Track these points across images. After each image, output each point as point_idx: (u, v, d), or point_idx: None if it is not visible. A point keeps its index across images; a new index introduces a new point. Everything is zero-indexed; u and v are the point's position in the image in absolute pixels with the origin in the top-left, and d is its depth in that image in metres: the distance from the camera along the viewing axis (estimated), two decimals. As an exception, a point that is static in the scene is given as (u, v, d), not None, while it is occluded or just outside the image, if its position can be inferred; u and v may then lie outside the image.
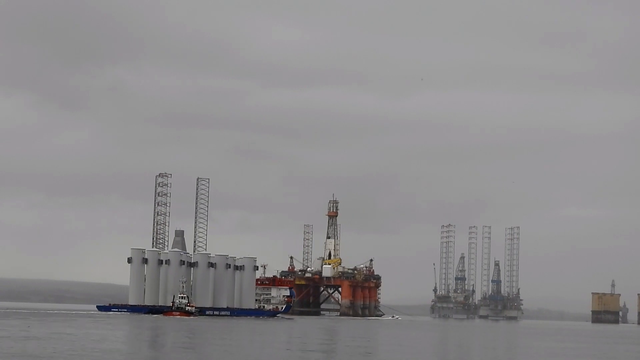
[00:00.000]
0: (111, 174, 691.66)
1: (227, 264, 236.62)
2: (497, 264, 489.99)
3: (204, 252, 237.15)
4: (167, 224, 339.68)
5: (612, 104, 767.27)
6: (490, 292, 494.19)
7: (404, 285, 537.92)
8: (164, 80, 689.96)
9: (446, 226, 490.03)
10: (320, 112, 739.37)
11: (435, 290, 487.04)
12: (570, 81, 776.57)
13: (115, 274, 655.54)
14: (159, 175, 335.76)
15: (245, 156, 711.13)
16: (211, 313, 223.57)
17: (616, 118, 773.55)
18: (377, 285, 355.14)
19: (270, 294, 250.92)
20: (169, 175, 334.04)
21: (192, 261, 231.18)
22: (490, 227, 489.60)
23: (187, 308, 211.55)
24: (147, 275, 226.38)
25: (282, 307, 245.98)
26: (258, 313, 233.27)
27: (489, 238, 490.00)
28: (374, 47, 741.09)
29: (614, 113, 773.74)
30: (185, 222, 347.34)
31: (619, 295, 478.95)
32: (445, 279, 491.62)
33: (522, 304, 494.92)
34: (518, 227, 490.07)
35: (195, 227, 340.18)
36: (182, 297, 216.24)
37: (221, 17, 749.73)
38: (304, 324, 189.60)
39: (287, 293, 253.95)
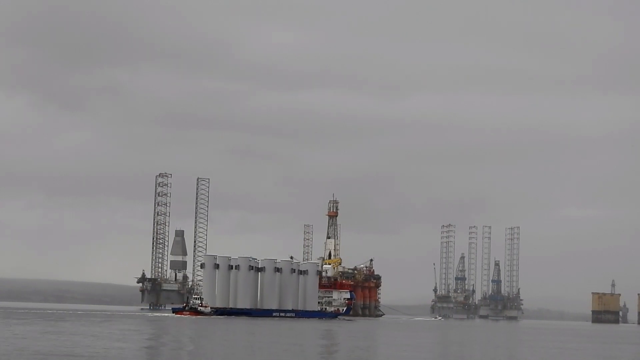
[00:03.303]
0: (111, 174, 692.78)
1: (292, 268, 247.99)
2: (497, 264, 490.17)
3: (271, 257, 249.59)
4: (167, 224, 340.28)
5: (611, 106, 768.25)
6: (490, 292, 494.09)
7: (404, 285, 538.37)
8: (163, 82, 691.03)
9: (446, 226, 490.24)
10: (319, 114, 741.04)
11: (435, 290, 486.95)
12: (570, 83, 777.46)
13: (115, 274, 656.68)
14: (159, 175, 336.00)
15: (245, 157, 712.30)
16: (277, 315, 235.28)
17: (616, 119, 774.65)
18: (377, 285, 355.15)
19: (332, 297, 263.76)
20: (169, 176, 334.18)
21: (260, 266, 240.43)
22: (490, 227, 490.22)
23: (199, 308, 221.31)
24: (218, 280, 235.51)
25: (343, 309, 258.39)
26: (321, 315, 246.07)
27: (489, 238, 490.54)
28: (372, 49, 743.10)
29: (613, 114, 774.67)
30: (185, 222, 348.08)
31: (619, 295, 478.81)
32: (445, 278, 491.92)
33: (522, 304, 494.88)
34: (518, 227, 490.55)
35: (195, 227, 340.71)
36: (196, 298, 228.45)
37: (220, 19, 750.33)
38: (363, 324, 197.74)
39: (348, 296, 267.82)
